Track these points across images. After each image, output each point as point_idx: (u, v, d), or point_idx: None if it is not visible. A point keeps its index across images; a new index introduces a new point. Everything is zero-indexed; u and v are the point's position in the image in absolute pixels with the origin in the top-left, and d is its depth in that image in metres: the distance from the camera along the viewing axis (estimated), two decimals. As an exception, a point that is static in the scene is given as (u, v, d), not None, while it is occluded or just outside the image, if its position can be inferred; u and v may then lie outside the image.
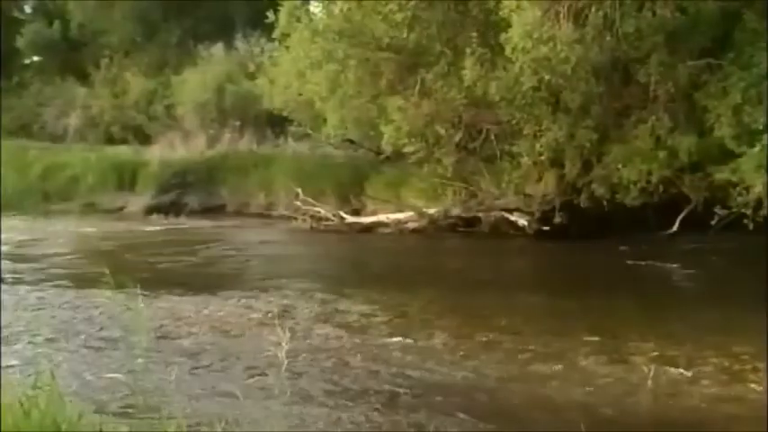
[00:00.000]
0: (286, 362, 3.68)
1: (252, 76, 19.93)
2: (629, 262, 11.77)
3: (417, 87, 13.92)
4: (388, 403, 6.07)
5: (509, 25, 12.25)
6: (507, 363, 7.05)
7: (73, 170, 20.81)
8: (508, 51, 12.22)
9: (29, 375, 5.23)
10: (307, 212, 16.32)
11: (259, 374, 6.53)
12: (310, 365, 6.82)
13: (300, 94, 16.17)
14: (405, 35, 13.79)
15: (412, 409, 5.93)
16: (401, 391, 6.34)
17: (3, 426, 3.43)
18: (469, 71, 12.88)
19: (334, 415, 5.80)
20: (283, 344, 3.74)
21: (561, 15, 11.98)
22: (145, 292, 7.66)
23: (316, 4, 16.07)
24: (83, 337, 7.90)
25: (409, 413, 5.86)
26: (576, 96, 12.70)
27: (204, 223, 17.21)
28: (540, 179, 14.15)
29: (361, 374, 6.73)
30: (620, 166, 12.97)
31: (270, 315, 8.73)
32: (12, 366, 6.54)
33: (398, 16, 13.62)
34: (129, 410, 4.20)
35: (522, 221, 14.32)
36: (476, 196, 15.09)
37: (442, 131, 14.11)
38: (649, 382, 6.18)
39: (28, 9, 34.36)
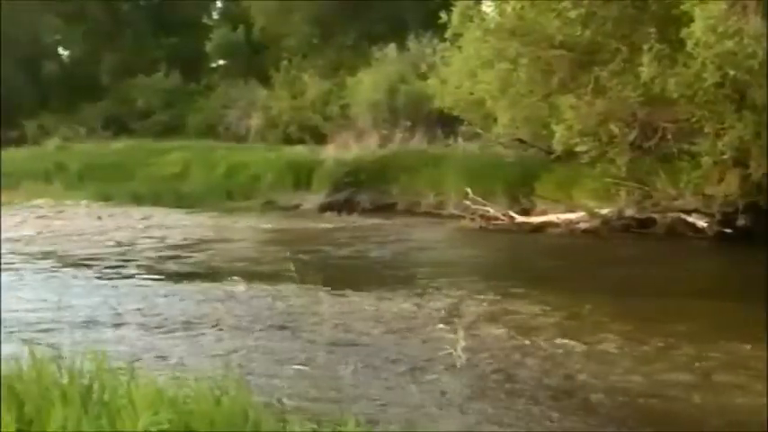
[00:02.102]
0: (462, 360, 3.74)
1: (423, 76, 20.19)
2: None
3: (591, 85, 13.61)
4: (560, 407, 6.01)
5: (691, 20, 11.77)
6: (686, 370, 6.78)
7: (254, 169, 21.83)
8: (689, 47, 11.75)
9: (215, 365, 5.59)
10: (476, 212, 16.35)
11: (433, 373, 6.61)
12: (481, 365, 6.84)
13: (471, 94, 16.23)
14: (579, 32, 13.53)
15: (584, 415, 5.84)
16: (573, 395, 6.26)
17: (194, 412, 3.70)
18: (647, 68, 12.46)
19: (507, 416, 5.80)
20: (460, 342, 3.81)
21: (748, 8, 11.39)
22: (325, 288, 8.01)
23: (488, 3, 16.07)
24: (268, 329, 8.26)
25: (581, 418, 5.78)
26: (763, 92, 12.02)
27: (375, 221, 17.58)
28: (721, 179, 13.48)
29: (533, 376, 6.68)
30: (812, 165, 12.16)
31: (440, 313, 8.85)
32: (200, 356, 7.01)
33: (573, 13, 13.38)
34: (310, 402, 4.38)
35: (702, 223, 13.72)
36: (651, 197, 14.57)
37: (616, 130, 13.74)
38: None
39: (216, 15, 36.46)
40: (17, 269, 12.14)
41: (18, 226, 16.96)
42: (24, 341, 5.21)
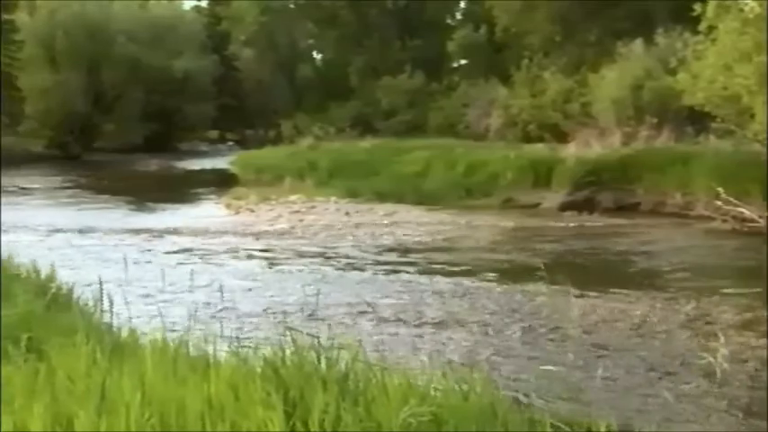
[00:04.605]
0: (723, 368, 3.56)
1: (672, 72, 19.31)
2: None
3: None
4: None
5: None
6: None
7: (493, 167, 21.91)
8: None
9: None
10: (728, 213, 15.43)
11: (690, 380, 6.37)
12: (736, 373, 6.46)
13: (725, 89, 15.35)
14: None
15: None
16: None
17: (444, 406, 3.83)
18: None
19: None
20: (720, 350, 3.64)
21: None
22: (573, 288, 7.94)
23: (747, -8, 15.12)
24: (517, 327, 8.33)
25: None
26: None
27: (618, 221, 17.08)
28: None
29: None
30: None
31: (692, 318, 8.48)
32: (448, 351, 7.20)
33: None
34: (560, 403, 4.36)
35: None
36: None
37: None
38: None
39: (459, 16, 37.17)
40: (268, 259, 13.11)
41: (274, 220, 18.25)
42: (288, 329, 5.59)
